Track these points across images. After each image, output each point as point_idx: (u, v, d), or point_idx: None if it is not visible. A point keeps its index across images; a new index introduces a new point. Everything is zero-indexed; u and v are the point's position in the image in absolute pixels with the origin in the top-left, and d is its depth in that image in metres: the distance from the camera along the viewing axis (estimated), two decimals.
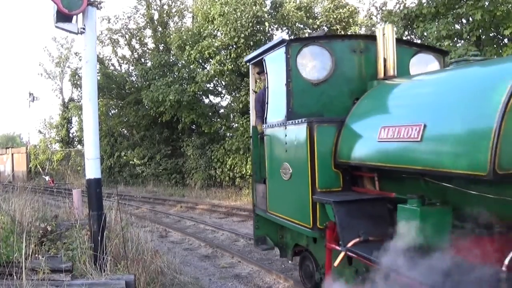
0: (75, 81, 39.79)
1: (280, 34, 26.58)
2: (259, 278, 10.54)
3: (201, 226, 17.23)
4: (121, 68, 39.32)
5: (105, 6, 38.70)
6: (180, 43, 29.79)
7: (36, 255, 7.83)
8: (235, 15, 26.81)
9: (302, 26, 30.89)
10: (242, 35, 26.80)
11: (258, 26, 27.67)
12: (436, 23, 16.38)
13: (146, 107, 33.09)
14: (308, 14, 31.06)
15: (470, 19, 15.81)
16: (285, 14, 29.28)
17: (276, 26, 30.21)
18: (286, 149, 8.29)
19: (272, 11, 29.97)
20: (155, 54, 34.44)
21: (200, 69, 29.90)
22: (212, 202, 24.93)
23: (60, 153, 48.30)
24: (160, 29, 37.30)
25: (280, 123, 8.50)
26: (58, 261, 7.69)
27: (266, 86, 9.35)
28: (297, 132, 7.84)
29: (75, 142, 50.77)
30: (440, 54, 9.16)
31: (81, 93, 35.79)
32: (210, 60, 28.57)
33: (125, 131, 40.69)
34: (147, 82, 33.00)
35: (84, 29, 8.57)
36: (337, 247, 6.81)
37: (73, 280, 7.29)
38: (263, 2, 28.56)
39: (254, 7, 26.96)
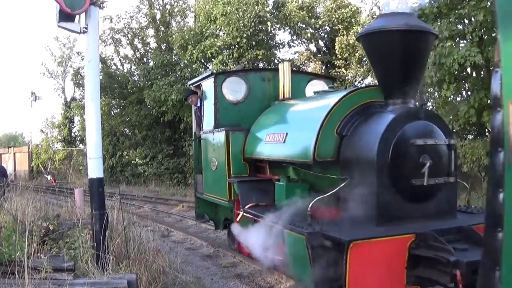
0: (77, 81, 39.80)
1: (283, 34, 26.57)
2: (261, 278, 10.55)
3: (202, 226, 17.20)
4: (123, 67, 39.34)
5: (108, 5, 38.69)
6: (183, 43, 29.84)
7: (38, 254, 7.84)
8: (237, 15, 26.88)
9: (304, 26, 30.94)
10: (245, 35, 26.90)
11: (260, 26, 27.76)
12: (439, 23, 16.34)
13: (148, 106, 33.02)
14: (310, 14, 31.10)
15: (473, 19, 15.74)
16: (287, 14, 29.33)
17: (278, 26, 30.31)
18: (214, 149, 11.83)
19: (274, 11, 30.04)
20: (157, 54, 34.44)
21: (203, 69, 29.94)
22: None
23: (62, 153, 48.30)
24: (162, 28, 37.30)
25: (210, 130, 12.06)
26: (60, 260, 7.71)
27: (202, 103, 13.02)
28: (220, 137, 11.38)
29: (77, 142, 50.77)
30: (330, 79, 13.62)
31: (83, 92, 35.89)
32: (213, 60, 28.66)
33: (127, 131, 40.67)
34: (149, 82, 33.05)
35: (86, 28, 8.58)
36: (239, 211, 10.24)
37: (75, 279, 7.31)
38: (265, 2, 28.64)
39: (256, 7, 27.04)
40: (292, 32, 31.46)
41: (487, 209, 2.95)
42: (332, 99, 8.66)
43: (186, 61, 30.77)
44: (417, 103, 7.96)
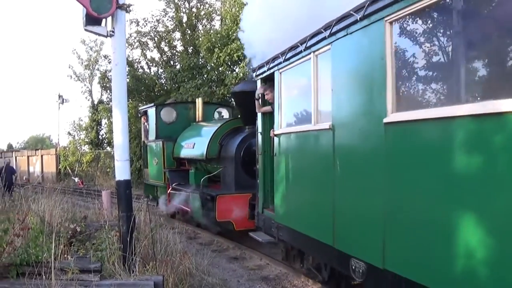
0: (104, 84, 39.96)
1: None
2: (287, 280, 10.47)
3: (230, 228, 17.24)
4: (150, 70, 39.37)
5: (134, 9, 38.75)
6: (209, 46, 29.83)
7: (65, 256, 7.88)
8: None
9: None
10: None
11: None
12: None
13: None
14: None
15: None
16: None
17: None
18: (155, 151, 19.66)
19: None
20: (184, 57, 34.47)
21: (229, 72, 29.89)
22: None
23: (90, 155, 48.48)
24: (189, 31, 37.26)
25: (153, 140, 19.83)
26: (87, 262, 7.73)
27: (148, 122, 20.31)
28: (159, 144, 19.16)
29: (105, 144, 50.89)
30: (229, 107, 20.96)
31: (110, 95, 35.99)
32: (239, 62, 28.57)
33: None
34: (176, 85, 33.12)
35: (113, 32, 8.61)
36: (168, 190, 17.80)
37: (102, 280, 7.33)
38: None
39: None
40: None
41: None
42: (217, 124, 16.37)
43: (213, 64, 30.76)
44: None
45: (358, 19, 6.74)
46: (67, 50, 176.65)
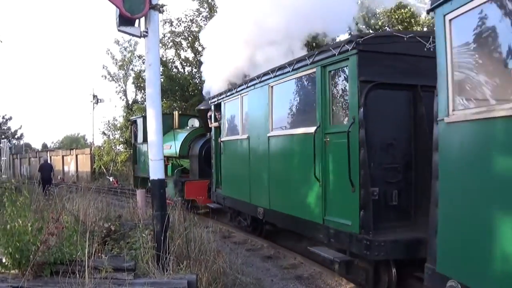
0: (138, 84, 40.17)
1: (343, 36, 26.31)
2: (321, 280, 10.39)
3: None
4: (184, 70, 39.55)
5: (168, 9, 38.82)
6: None
7: (99, 254, 7.88)
8: None
9: (364, 27, 30.56)
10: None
11: None
12: None
13: None
14: (370, 15, 30.74)
15: None
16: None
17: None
18: (143, 151, 24.33)
19: None
20: None
21: None
22: None
23: (124, 154, 48.66)
24: None
25: (141, 142, 25.33)
26: (120, 260, 7.73)
27: (137, 129, 26.95)
28: (145, 146, 23.11)
29: None
30: (196, 118, 24.07)
31: (145, 95, 36.12)
32: None
33: None
34: None
35: (146, 32, 8.61)
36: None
37: (136, 279, 7.32)
38: None
39: None
40: (351, 33, 31.15)
41: None
42: (188, 131, 22.15)
43: None
44: None
45: (258, 82, 13.21)
46: (102, 50, 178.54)
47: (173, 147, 22.14)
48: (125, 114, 49.66)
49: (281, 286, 10.11)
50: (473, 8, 5.60)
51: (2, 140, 67.07)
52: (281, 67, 11.77)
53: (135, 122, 28.13)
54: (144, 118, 24.02)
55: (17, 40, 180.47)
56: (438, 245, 6.24)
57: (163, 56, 37.50)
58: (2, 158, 62.78)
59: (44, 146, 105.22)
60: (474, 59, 5.79)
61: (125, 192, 21.74)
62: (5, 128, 72.94)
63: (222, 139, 16.70)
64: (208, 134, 20.02)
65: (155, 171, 8.73)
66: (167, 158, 23.20)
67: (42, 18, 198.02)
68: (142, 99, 44.06)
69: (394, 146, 8.93)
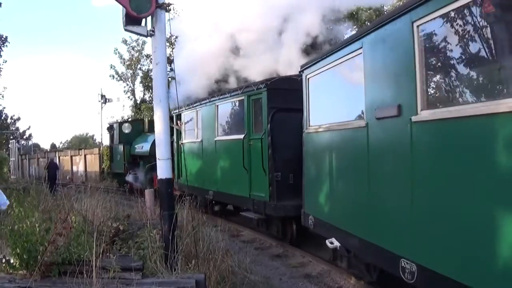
0: (146, 83, 40.16)
1: (350, 33, 26.28)
2: (330, 278, 10.38)
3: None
4: None
5: (174, 8, 38.87)
6: None
7: (107, 254, 7.87)
8: None
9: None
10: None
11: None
12: None
13: None
14: (378, 12, 30.65)
15: None
16: (354, 13, 28.96)
17: (345, 24, 29.89)
18: (119, 151, 32.52)
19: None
20: None
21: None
22: None
23: None
24: None
25: (117, 143, 32.20)
26: (128, 260, 7.73)
27: (114, 133, 33.51)
28: (121, 146, 31.76)
29: None
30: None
31: (153, 94, 35.93)
32: None
33: None
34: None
35: (153, 31, 8.61)
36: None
37: (144, 278, 7.31)
38: None
39: None
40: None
41: None
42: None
43: None
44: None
45: (208, 101, 18.02)
46: (109, 50, 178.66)
47: (145, 147, 27.95)
48: (133, 113, 49.70)
49: (290, 284, 10.11)
50: (320, 73, 10.41)
51: (10, 141, 67.23)
52: (223, 93, 17.22)
53: (112, 127, 34.32)
54: (120, 124, 32.58)
55: (25, 40, 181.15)
56: (304, 198, 11.45)
57: (170, 55, 37.40)
58: (11, 159, 62.88)
59: (53, 146, 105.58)
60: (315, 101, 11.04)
61: (133, 192, 21.75)
62: (14, 128, 72.92)
63: (182, 141, 21.33)
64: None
65: (163, 170, 8.70)
66: (138, 157, 29.38)
67: (50, 18, 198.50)
68: (150, 98, 44.06)
69: (289, 147, 12.88)
